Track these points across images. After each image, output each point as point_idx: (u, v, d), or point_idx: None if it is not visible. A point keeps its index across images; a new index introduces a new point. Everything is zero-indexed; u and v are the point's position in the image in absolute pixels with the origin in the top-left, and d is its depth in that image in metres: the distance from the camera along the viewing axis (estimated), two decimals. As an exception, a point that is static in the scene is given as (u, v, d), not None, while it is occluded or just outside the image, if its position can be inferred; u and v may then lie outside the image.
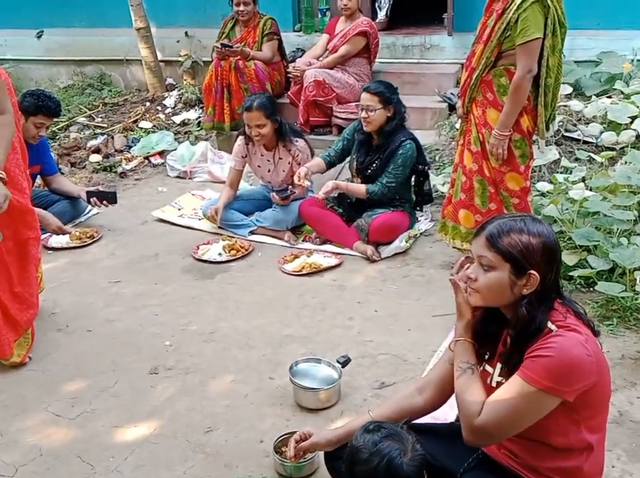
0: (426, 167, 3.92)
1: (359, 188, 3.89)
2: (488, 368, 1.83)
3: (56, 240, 4.16)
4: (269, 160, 4.24)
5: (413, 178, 3.96)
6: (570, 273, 3.25)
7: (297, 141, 4.17)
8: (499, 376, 1.77)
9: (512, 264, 1.66)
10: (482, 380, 1.79)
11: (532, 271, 1.66)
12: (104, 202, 4.30)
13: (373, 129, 3.82)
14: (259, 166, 4.29)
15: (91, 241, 4.17)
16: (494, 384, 1.77)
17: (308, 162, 4.07)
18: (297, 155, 4.14)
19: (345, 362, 2.65)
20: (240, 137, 4.27)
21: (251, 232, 4.18)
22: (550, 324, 1.66)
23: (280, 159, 4.21)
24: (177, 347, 3.03)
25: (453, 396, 1.82)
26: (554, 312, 1.68)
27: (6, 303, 2.81)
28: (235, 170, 4.30)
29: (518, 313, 1.69)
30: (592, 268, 3.18)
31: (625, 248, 3.20)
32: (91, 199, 4.30)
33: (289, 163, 4.19)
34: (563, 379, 1.58)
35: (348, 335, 3.07)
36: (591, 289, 3.23)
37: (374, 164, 3.86)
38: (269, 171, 4.28)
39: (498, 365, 1.78)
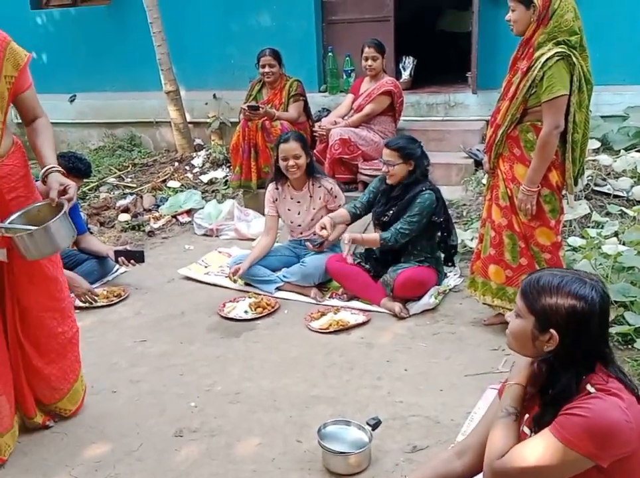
0: (440, 220, 3.83)
1: (373, 237, 3.85)
2: (526, 430, 1.76)
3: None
4: (299, 202, 4.26)
5: (438, 234, 3.91)
6: (607, 331, 3.15)
7: (326, 178, 4.28)
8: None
9: (536, 318, 1.66)
10: (520, 442, 1.73)
11: (553, 331, 1.63)
12: (132, 261, 4.33)
13: (395, 181, 3.83)
14: (289, 209, 4.28)
15: (118, 300, 4.17)
16: None
17: (342, 196, 4.14)
18: (331, 189, 4.19)
19: (375, 425, 2.55)
20: (270, 184, 4.31)
21: (278, 288, 4.15)
22: (588, 387, 1.60)
23: (311, 196, 4.23)
24: (202, 408, 2.96)
25: None
26: (594, 375, 1.62)
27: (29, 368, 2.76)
28: (269, 216, 4.32)
29: (535, 369, 1.70)
30: (630, 325, 3.07)
31: (663, 304, 3.10)
32: (119, 258, 4.33)
33: (320, 198, 4.21)
34: (597, 442, 1.51)
35: (377, 395, 2.97)
36: (630, 346, 3.11)
37: (391, 211, 3.84)
38: (299, 214, 4.27)
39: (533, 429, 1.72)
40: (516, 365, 1.83)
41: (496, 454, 1.66)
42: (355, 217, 4.00)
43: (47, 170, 2.50)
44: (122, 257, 4.32)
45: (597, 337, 1.65)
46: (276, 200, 4.29)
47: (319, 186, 4.20)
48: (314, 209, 4.23)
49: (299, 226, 4.30)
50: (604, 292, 1.66)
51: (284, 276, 4.18)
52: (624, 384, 1.63)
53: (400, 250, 3.89)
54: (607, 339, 1.71)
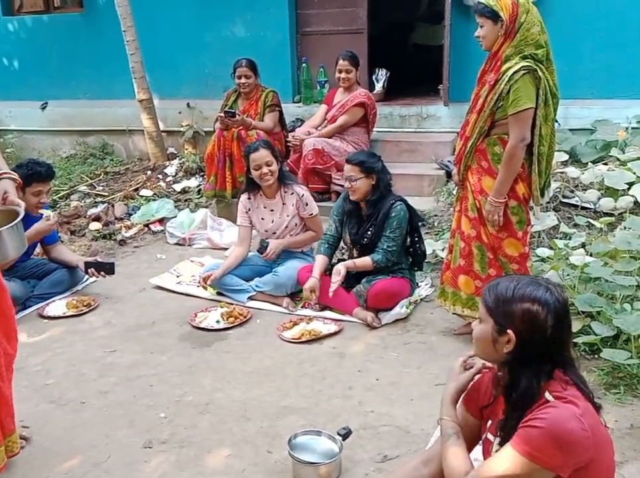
0: (422, 223, 3.92)
1: (366, 261, 3.84)
2: (490, 436, 1.80)
3: (53, 309, 4.12)
4: (272, 210, 4.26)
5: (408, 240, 3.95)
6: (574, 340, 3.20)
7: (298, 184, 4.35)
8: (498, 444, 1.73)
9: (495, 321, 1.71)
10: (485, 449, 1.79)
11: (509, 331, 1.67)
12: (102, 272, 4.28)
13: (359, 197, 3.84)
14: (262, 218, 4.28)
15: (87, 309, 4.12)
16: (494, 452, 1.73)
17: (314, 205, 4.23)
18: (302, 195, 4.21)
19: (346, 435, 2.56)
20: (242, 195, 4.31)
21: (250, 298, 4.14)
22: (547, 395, 1.63)
23: (284, 204, 4.24)
24: (172, 419, 2.93)
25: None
26: (552, 382, 1.66)
27: None
28: (243, 227, 4.29)
29: (498, 374, 1.74)
30: (596, 335, 3.13)
31: (629, 314, 3.16)
32: (89, 270, 4.29)
33: (293, 205, 4.22)
34: (555, 452, 1.53)
35: (348, 405, 2.98)
36: (596, 356, 3.17)
37: (369, 232, 3.86)
38: (272, 222, 4.26)
39: (497, 435, 1.76)
40: (443, 401, 1.90)
41: (460, 474, 1.71)
42: (333, 252, 4.07)
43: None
44: (92, 269, 4.28)
45: (555, 339, 1.67)
46: (249, 210, 4.28)
47: (291, 193, 4.22)
48: (287, 216, 4.23)
49: (274, 233, 4.28)
50: (560, 295, 1.69)
51: (257, 286, 4.17)
52: (581, 391, 1.66)
53: None
54: (568, 344, 1.74)
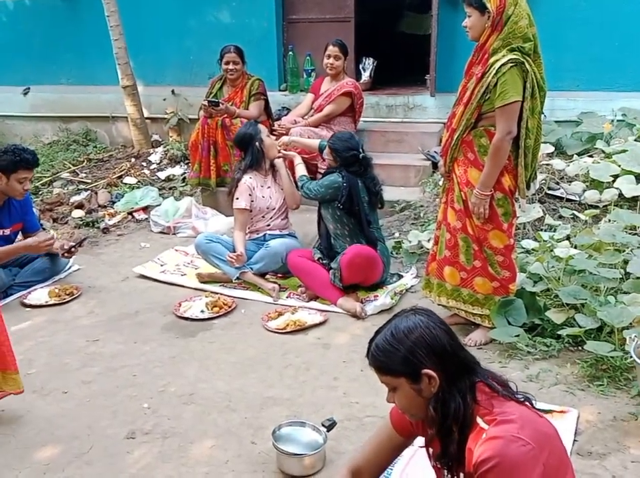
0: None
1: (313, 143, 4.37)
2: (439, 464, 1.80)
3: (35, 297, 4.07)
4: (269, 187, 4.35)
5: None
6: (558, 332, 3.22)
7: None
8: (448, 474, 1.76)
9: (404, 375, 1.67)
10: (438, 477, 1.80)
11: (424, 371, 1.65)
12: (73, 249, 4.28)
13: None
14: (263, 196, 4.31)
15: (70, 298, 4.08)
16: None
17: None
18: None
19: (330, 426, 2.55)
20: (245, 176, 4.28)
21: (239, 276, 4.15)
22: (478, 420, 1.62)
23: (273, 178, 4.41)
24: (155, 410, 2.91)
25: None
26: (478, 406, 1.64)
27: None
28: (244, 212, 4.25)
29: (429, 414, 1.68)
30: (580, 327, 3.14)
31: (613, 307, 3.17)
32: (64, 254, 4.27)
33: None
34: None
35: (332, 396, 2.98)
36: (580, 348, 3.19)
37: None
38: (270, 197, 4.34)
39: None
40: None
41: None
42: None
43: None
44: (65, 253, 4.27)
45: (456, 350, 1.69)
46: (254, 188, 4.28)
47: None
48: (281, 189, 4.36)
49: (274, 209, 4.34)
50: (425, 312, 1.74)
51: (249, 266, 4.17)
52: (504, 396, 1.66)
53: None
54: (466, 351, 1.75)
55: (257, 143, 4.28)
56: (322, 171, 5.16)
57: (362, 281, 3.94)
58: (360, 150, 3.98)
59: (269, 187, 4.36)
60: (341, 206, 3.89)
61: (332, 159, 4.03)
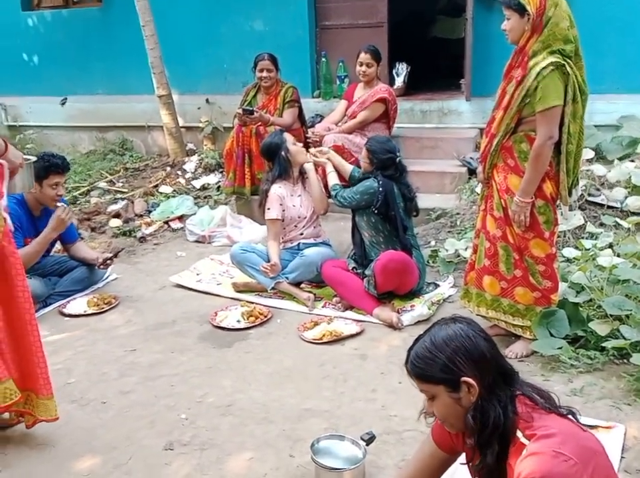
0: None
1: (346, 167, 4.27)
2: None
3: (74, 307, 4.12)
4: (299, 195, 4.35)
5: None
6: (603, 344, 3.12)
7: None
8: None
9: (443, 384, 1.65)
10: None
11: (464, 379, 1.62)
12: (110, 260, 4.33)
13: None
14: (293, 205, 4.30)
15: (108, 307, 4.12)
16: None
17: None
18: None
19: (370, 440, 2.51)
20: (274, 186, 4.27)
21: (274, 287, 4.14)
22: (519, 434, 1.59)
23: (303, 186, 4.40)
24: (193, 420, 2.91)
25: None
26: (519, 419, 1.61)
27: None
28: (277, 222, 4.25)
29: (468, 424, 1.65)
30: (626, 339, 3.04)
31: (659, 318, 3.08)
32: (101, 266, 4.33)
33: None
34: None
35: (371, 409, 2.94)
36: (625, 360, 3.09)
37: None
38: (301, 206, 4.33)
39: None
40: None
41: None
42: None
43: None
44: (103, 265, 4.32)
45: (496, 359, 1.68)
46: (284, 198, 4.28)
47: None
48: (311, 198, 4.34)
49: (305, 218, 4.33)
50: (465, 320, 1.72)
51: (285, 275, 4.16)
52: (549, 408, 1.62)
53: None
54: (506, 360, 1.74)
55: (283, 152, 4.26)
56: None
57: (397, 287, 3.88)
58: (397, 154, 3.94)
59: (299, 196, 4.35)
60: (377, 211, 3.86)
61: (368, 162, 3.99)
